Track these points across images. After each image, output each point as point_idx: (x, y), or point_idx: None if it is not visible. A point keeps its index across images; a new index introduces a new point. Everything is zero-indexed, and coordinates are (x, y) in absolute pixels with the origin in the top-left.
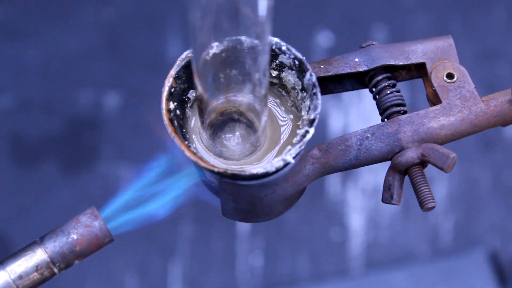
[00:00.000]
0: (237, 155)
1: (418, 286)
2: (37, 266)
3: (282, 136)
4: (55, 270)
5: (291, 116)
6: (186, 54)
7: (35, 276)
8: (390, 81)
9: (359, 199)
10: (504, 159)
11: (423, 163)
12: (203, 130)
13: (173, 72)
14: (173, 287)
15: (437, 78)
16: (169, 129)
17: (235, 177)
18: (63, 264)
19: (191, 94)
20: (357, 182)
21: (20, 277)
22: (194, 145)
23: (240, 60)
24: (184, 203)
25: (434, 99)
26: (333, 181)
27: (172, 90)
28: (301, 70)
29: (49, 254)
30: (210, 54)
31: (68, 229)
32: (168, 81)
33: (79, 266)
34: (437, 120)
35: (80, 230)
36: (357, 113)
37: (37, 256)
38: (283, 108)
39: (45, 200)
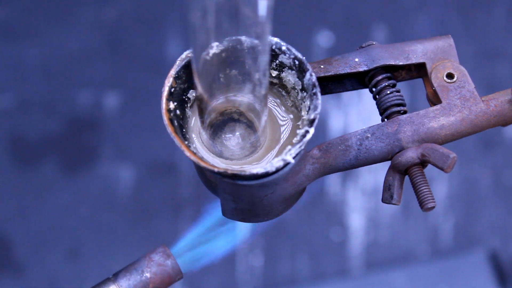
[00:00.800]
0: (237, 155)
1: (418, 286)
2: None
3: (282, 136)
4: None
5: (291, 116)
6: (186, 54)
7: None
8: (390, 81)
9: (359, 199)
10: (504, 159)
11: (423, 163)
12: (203, 130)
13: (173, 72)
14: (173, 287)
15: (437, 78)
16: (169, 129)
17: (235, 177)
18: None
19: (191, 94)
20: (357, 182)
21: None
22: (194, 145)
23: (240, 60)
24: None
25: (434, 99)
26: (333, 181)
27: (172, 90)
28: (301, 70)
29: None
30: (210, 54)
31: (142, 267)
32: (168, 81)
33: (79, 266)
34: (437, 120)
35: (154, 268)
36: (357, 113)
37: None
38: (283, 108)
39: (45, 200)
